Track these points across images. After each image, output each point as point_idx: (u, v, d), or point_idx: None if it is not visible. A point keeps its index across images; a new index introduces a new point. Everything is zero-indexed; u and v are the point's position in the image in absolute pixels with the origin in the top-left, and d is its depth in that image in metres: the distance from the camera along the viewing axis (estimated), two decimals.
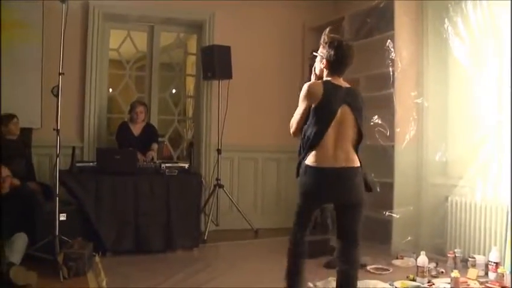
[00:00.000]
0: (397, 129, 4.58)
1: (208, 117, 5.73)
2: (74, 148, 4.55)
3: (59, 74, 3.78)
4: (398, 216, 4.39)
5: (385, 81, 4.68)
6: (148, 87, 5.82)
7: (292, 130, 2.84)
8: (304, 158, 2.76)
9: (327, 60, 2.85)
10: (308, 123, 2.80)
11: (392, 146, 4.62)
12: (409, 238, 4.45)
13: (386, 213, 4.40)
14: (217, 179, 5.43)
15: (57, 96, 3.76)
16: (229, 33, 5.53)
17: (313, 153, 2.74)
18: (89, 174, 4.48)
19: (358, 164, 2.77)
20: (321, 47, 2.88)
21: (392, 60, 4.63)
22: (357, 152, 2.80)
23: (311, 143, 2.74)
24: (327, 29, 2.92)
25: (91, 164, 4.59)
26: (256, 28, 5.70)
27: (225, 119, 5.45)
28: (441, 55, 4.47)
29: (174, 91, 6.35)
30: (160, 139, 5.59)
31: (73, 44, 5.04)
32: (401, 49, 4.55)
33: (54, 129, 3.74)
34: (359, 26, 5.15)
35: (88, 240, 4.06)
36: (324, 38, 2.86)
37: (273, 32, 5.73)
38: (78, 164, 4.53)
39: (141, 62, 6.03)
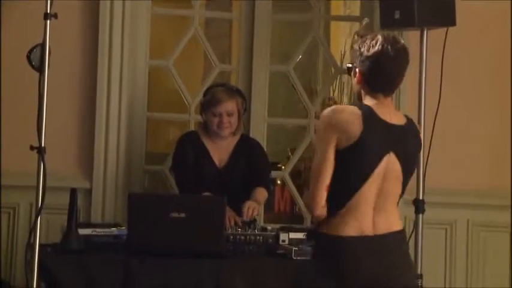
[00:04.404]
0: None
1: None
2: (74, 193, 3.67)
3: (46, 16, 3.27)
4: None
5: None
6: (245, 47, 4.77)
7: (313, 200, 2.80)
8: (319, 225, 2.85)
9: (360, 73, 2.83)
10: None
11: None
12: None
13: None
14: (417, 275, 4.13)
15: (39, 68, 3.24)
16: None
17: (335, 218, 2.81)
18: (107, 256, 3.68)
19: (402, 226, 2.90)
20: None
21: None
22: None
23: (335, 206, 2.80)
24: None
25: (113, 230, 3.82)
26: None
27: (435, 129, 4.27)
28: None
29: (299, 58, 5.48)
30: (273, 175, 4.92)
31: None
32: None
33: (32, 148, 3.24)
34: None
35: None
36: (355, 38, 3.06)
37: None
38: (82, 231, 3.70)
39: None
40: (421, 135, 3.03)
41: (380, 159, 2.82)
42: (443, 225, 4.66)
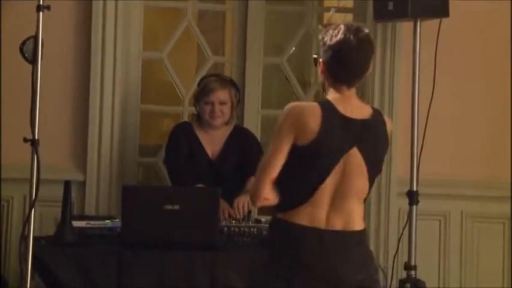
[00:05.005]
0: None
1: (385, 114, 4.51)
2: (68, 185, 3.68)
3: (39, 8, 3.28)
4: None
5: None
6: (238, 39, 4.76)
7: (256, 191, 2.81)
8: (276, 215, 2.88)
9: (324, 63, 2.82)
10: (285, 169, 2.81)
11: None
12: None
13: None
14: (407, 266, 4.35)
15: (32, 60, 3.27)
16: None
17: (292, 210, 2.82)
18: (101, 248, 3.70)
19: (363, 226, 2.88)
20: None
21: None
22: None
23: (294, 202, 2.81)
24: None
25: (107, 223, 3.84)
26: None
27: (428, 122, 4.40)
28: None
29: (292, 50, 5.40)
30: None
31: None
32: None
33: (25, 141, 3.27)
34: None
35: None
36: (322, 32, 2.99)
37: None
38: (76, 224, 3.71)
39: None
40: (390, 129, 2.96)
41: (340, 156, 2.82)
42: (437, 216, 4.64)
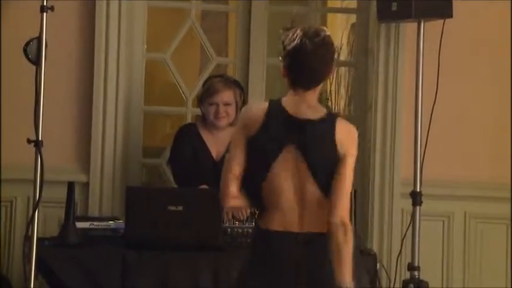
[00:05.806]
0: None
1: (388, 115, 4.67)
2: (71, 186, 3.71)
3: (43, 8, 3.31)
4: None
5: None
6: (242, 40, 4.72)
7: (222, 191, 2.85)
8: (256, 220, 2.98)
9: (283, 67, 2.86)
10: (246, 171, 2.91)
11: None
12: None
13: None
14: (411, 267, 4.32)
15: (35, 61, 3.29)
16: None
17: (267, 213, 2.85)
18: (105, 249, 3.70)
19: (325, 230, 2.82)
20: None
21: None
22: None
23: (256, 198, 2.85)
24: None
25: (111, 224, 3.87)
26: None
27: (431, 122, 4.37)
28: None
29: None
30: None
31: None
32: None
33: (29, 142, 3.29)
34: None
35: None
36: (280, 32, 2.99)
37: None
38: (79, 225, 3.72)
39: None
40: (346, 136, 2.82)
41: (277, 151, 2.81)
42: (440, 217, 4.62)
